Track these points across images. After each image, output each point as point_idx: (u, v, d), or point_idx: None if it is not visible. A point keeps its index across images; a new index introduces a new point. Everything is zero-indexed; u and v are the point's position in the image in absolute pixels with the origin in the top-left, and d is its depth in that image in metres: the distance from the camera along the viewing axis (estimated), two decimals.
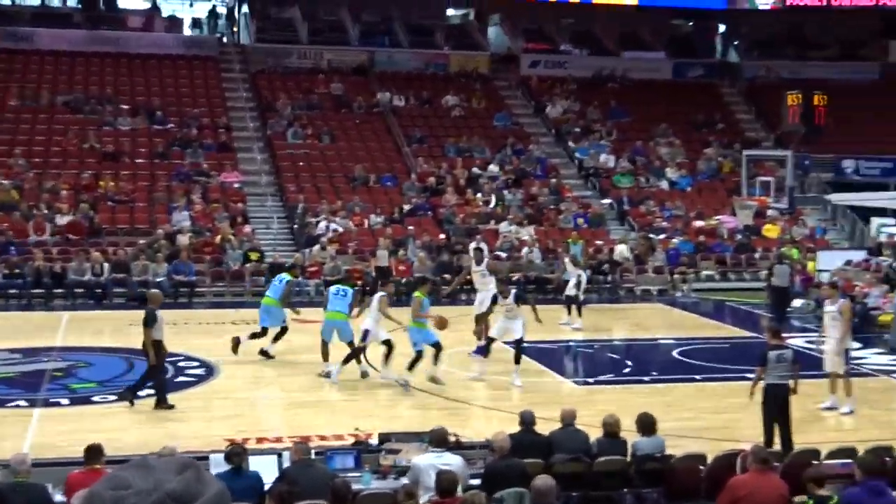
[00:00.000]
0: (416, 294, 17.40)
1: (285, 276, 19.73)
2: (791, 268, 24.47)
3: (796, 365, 13.66)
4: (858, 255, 29.61)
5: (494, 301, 18.04)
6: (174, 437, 13.04)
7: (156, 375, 15.68)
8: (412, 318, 17.23)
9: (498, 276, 20.14)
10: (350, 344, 18.01)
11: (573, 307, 23.24)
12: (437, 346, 17.23)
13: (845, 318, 16.06)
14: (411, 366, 17.04)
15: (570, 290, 23.27)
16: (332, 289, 18.80)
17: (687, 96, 41.45)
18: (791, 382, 13.58)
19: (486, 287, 20.37)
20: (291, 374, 18.67)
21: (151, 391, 15.70)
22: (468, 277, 21.72)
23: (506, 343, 18.24)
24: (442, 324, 17.33)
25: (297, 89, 38.55)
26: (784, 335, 21.89)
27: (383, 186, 34.36)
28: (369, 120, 37.77)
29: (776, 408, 13.40)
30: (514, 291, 18.05)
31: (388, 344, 17.55)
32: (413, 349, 17.17)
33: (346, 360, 17.52)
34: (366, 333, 17.58)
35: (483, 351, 18.08)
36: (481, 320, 18.42)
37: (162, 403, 15.61)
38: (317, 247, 29.41)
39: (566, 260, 23.89)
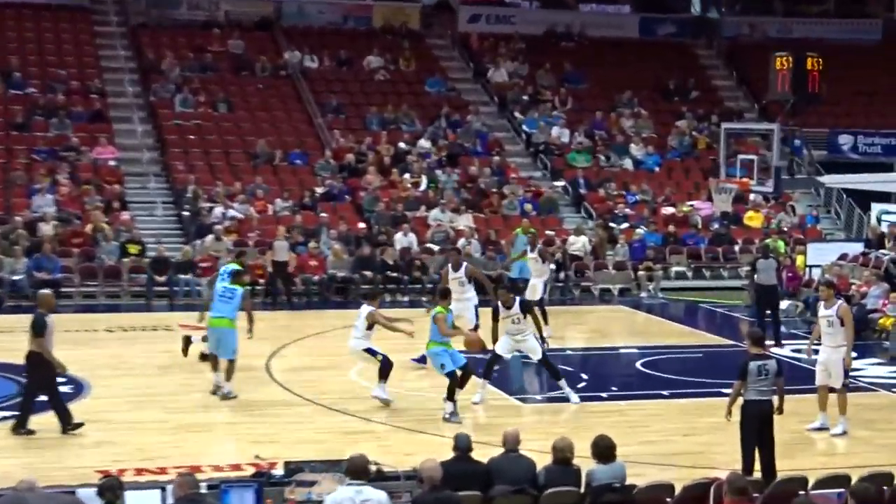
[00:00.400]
0: (438, 310, 17.16)
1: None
2: (778, 263, 24.81)
3: (781, 378, 13.85)
4: (855, 248, 30.12)
5: (496, 313, 17.94)
6: (34, 469, 12.89)
7: (35, 393, 15.63)
8: (436, 338, 17.04)
9: (491, 279, 20.35)
10: (231, 363, 17.83)
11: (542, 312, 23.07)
12: (466, 371, 17.14)
13: (847, 325, 16.31)
14: (451, 394, 16.81)
15: (537, 294, 23.10)
16: (219, 288, 18.45)
17: (656, 58, 41.81)
18: (775, 399, 13.78)
19: (465, 296, 20.73)
20: (178, 392, 18.54)
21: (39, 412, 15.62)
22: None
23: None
24: (477, 344, 17.34)
25: (187, 47, 38.26)
26: (768, 343, 22.30)
27: (291, 165, 34.24)
28: (275, 85, 37.60)
29: (757, 429, 13.58)
30: (518, 300, 18.02)
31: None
32: (442, 373, 16.99)
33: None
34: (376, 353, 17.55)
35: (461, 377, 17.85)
36: (474, 343, 17.82)
37: (20, 428, 15.45)
38: (210, 237, 29.23)
39: (530, 256, 23.62)
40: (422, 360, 19.43)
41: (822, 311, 16.64)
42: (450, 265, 21.49)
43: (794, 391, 17.34)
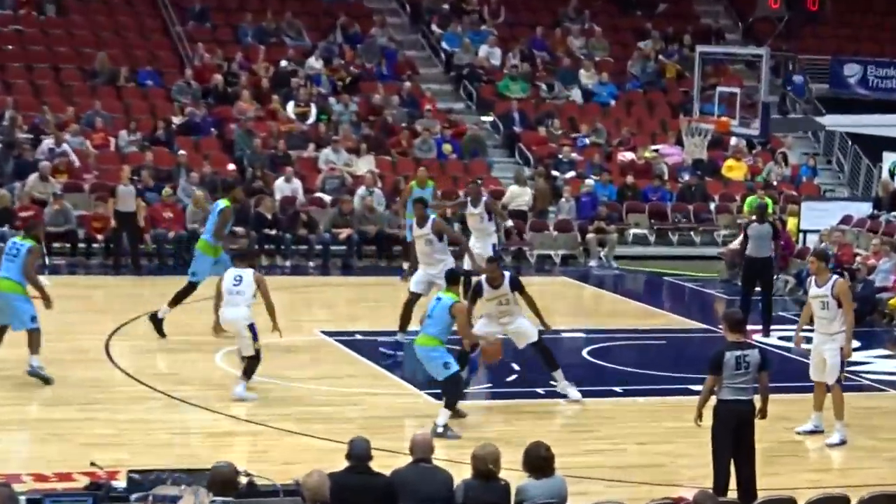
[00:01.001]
0: (454, 297, 16.87)
1: (26, 244, 18.59)
2: (776, 229, 25.05)
3: (765, 373, 14.05)
4: (862, 209, 30.56)
5: (477, 293, 17.93)
6: None
7: None
8: (441, 334, 16.77)
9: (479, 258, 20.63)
10: (32, 332, 18.00)
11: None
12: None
13: (846, 306, 16.57)
14: (453, 404, 16.77)
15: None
16: (8, 244, 18.93)
17: None
18: (757, 399, 13.99)
19: (487, 236, 22.38)
20: None
21: None
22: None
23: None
24: (497, 355, 17.47)
25: None
26: (753, 330, 22.62)
27: (141, 87, 33.99)
28: None
29: (733, 436, 13.77)
30: (508, 275, 18.08)
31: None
32: (444, 375, 16.77)
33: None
34: None
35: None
36: (494, 355, 17.83)
37: None
38: (33, 177, 28.94)
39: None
40: (397, 347, 19.79)
41: (813, 290, 16.87)
42: (469, 199, 23.03)
43: (782, 390, 17.70)
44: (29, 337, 18.25)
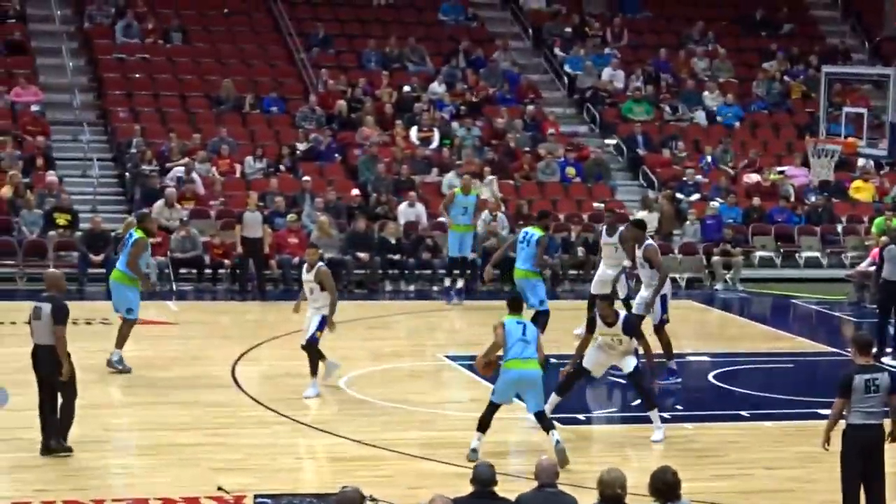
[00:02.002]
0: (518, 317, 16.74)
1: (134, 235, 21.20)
2: None
3: (894, 395, 13.90)
4: None
5: (592, 326, 17.80)
6: None
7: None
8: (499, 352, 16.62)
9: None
10: (125, 322, 20.17)
11: None
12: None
13: None
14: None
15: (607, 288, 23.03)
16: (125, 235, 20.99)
17: None
18: (887, 423, 13.83)
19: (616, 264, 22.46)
20: (120, 404, 18.73)
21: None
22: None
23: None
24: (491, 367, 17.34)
25: None
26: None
27: (266, 114, 34.29)
28: (244, 10, 37.64)
29: (863, 461, 13.62)
30: (623, 316, 17.87)
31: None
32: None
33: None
34: None
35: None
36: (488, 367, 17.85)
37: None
38: (159, 203, 29.30)
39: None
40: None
41: None
42: (603, 229, 23.34)
43: None
44: (122, 325, 20.51)
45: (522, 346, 16.30)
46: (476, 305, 27.04)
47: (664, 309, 20.78)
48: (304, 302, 19.92)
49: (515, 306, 16.86)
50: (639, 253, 20.96)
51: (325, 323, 19.18)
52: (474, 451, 15.92)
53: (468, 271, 28.20)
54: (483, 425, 16.20)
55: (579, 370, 17.92)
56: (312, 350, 19.26)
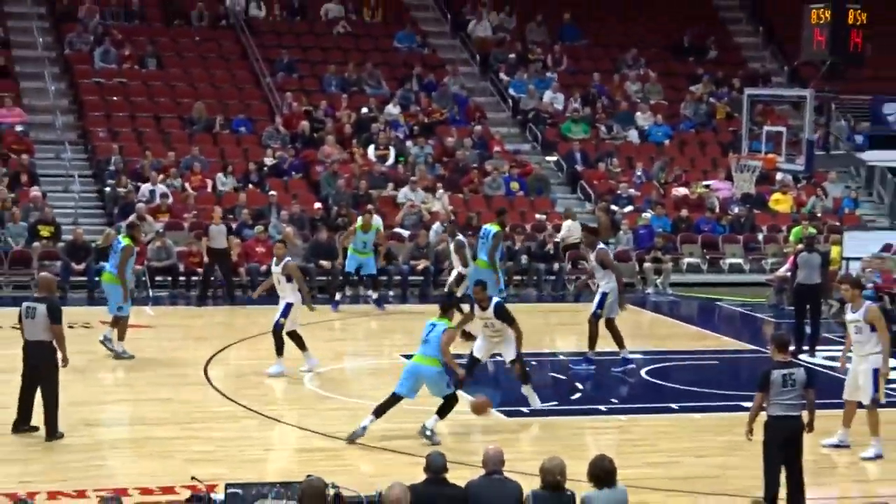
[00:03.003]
0: (448, 324, 17.01)
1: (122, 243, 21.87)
2: (824, 258, 24.90)
3: (811, 390, 14.00)
4: None
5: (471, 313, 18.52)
6: None
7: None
8: (438, 354, 16.76)
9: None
10: (116, 319, 20.81)
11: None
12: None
13: (880, 329, 16.48)
14: (445, 413, 17.01)
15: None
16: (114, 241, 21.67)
17: (667, 10, 41.93)
18: (804, 414, 13.93)
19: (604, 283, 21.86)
20: (99, 401, 18.68)
21: None
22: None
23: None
24: (486, 407, 17.43)
25: None
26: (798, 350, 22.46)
27: (234, 134, 34.24)
28: (214, 37, 37.56)
29: (782, 449, 13.72)
30: (495, 301, 18.27)
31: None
32: (445, 393, 16.98)
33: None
34: None
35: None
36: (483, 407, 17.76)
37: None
38: (133, 217, 29.16)
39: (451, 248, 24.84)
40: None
41: (849, 315, 16.81)
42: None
43: (827, 406, 17.57)
44: (114, 322, 21.47)
45: (423, 345, 16.85)
46: (430, 309, 26.97)
47: (600, 305, 21.33)
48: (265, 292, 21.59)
49: (443, 309, 17.23)
50: (592, 257, 21.53)
51: (289, 310, 20.07)
52: (364, 428, 16.49)
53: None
54: (379, 411, 16.69)
55: (473, 360, 18.44)
56: (277, 335, 20.10)
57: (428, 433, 16.64)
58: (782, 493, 13.63)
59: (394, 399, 16.75)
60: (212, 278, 27.99)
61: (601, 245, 22.03)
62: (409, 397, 16.87)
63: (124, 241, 21.78)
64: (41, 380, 16.28)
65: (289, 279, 20.24)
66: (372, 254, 27.31)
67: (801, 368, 13.98)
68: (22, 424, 16.47)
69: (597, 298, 21.52)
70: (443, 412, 16.85)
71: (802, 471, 13.78)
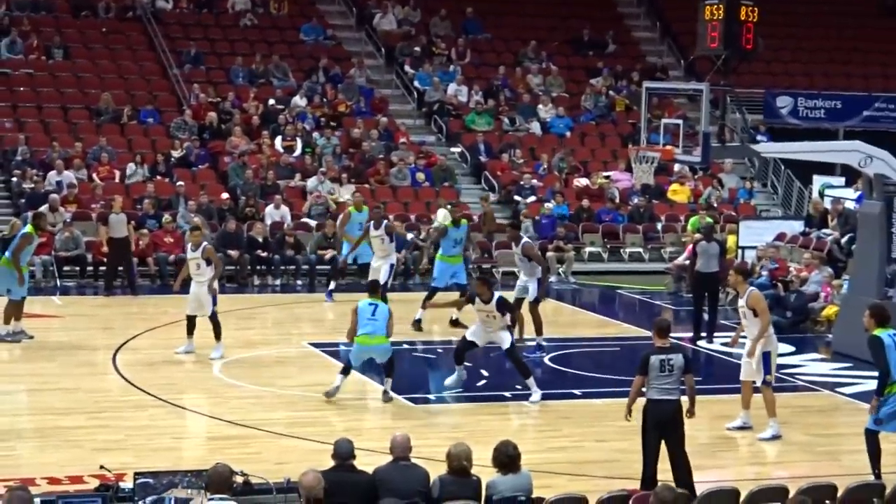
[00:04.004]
0: (384, 303, 18.25)
1: (25, 228, 21.73)
2: (722, 247, 25.11)
3: (690, 375, 14.10)
4: (794, 227, 30.67)
5: (472, 300, 18.83)
6: None
7: None
8: (386, 332, 17.95)
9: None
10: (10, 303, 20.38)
11: None
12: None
13: (761, 313, 16.67)
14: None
15: (381, 277, 23.64)
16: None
17: (568, 6, 42.09)
18: (684, 399, 14.04)
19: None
20: (4, 391, 18.40)
21: None
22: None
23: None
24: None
25: None
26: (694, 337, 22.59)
27: (142, 124, 33.90)
28: (122, 29, 37.17)
29: (660, 432, 13.81)
30: (497, 296, 18.51)
31: None
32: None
33: None
34: None
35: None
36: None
37: None
38: (44, 207, 28.84)
39: (374, 234, 25.14)
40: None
41: (739, 302, 17.07)
42: (372, 223, 24.95)
43: (723, 391, 17.73)
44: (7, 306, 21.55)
45: (371, 325, 17.73)
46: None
47: (539, 290, 21.85)
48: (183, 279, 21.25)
49: (371, 290, 18.52)
50: (517, 249, 21.84)
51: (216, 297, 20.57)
52: (337, 388, 17.83)
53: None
54: (345, 371, 18.07)
55: (466, 342, 18.76)
56: (215, 321, 20.44)
57: (389, 396, 17.97)
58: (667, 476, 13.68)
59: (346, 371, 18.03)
60: (119, 268, 27.66)
61: (525, 239, 22.50)
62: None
63: (27, 228, 21.81)
64: None
65: (208, 262, 20.40)
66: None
67: (680, 354, 14.09)
68: None
69: (532, 287, 21.73)
70: (389, 370, 18.06)
71: (685, 453, 13.86)
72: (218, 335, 20.47)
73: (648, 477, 13.58)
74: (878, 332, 14.32)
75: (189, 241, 21.31)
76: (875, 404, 14.25)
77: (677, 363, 13.86)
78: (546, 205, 32.79)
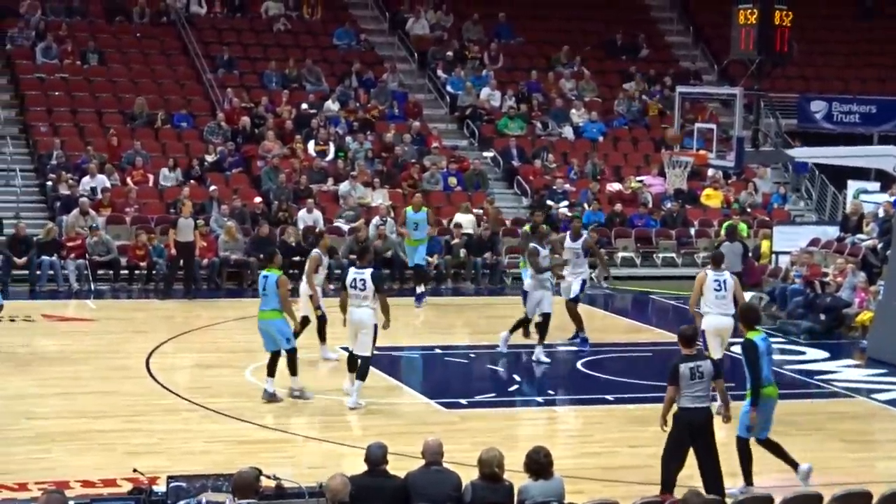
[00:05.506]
0: (279, 273, 18.06)
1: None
2: (745, 248, 25.11)
3: (720, 381, 14.09)
4: (829, 233, 30.55)
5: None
6: None
7: None
8: (279, 306, 18.03)
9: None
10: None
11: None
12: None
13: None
14: (293, 370, 18.27)
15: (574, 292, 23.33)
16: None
17: (600, 10, 42.05)
18: (716, 406, 14.02)
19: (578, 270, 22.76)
20: (40, 394, 18.46)
21: None
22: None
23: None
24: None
25: None
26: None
27: (176, 128, 34.00)
28: (155, 34, 37.29)
29: (692, 439, 13.80)
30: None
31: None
32: (288, 346, 18.22)
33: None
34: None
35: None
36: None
37: None
38: (75, 212, 28.99)
39: (570, 245, 23.25)
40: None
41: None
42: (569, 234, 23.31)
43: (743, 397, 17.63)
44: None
45: (263, 300, 18.06)
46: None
47: (582, 288, 22.80)
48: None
49: (268, 259, 18.63)
50: (577, 244, 22.52)
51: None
52: (270, 392, 17.98)
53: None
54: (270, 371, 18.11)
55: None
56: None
57: (297, 392, 18.14)
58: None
59: (274, 357, 18.07)
60: (179, 271, 27.68)
61: (586, 234, 23.72)
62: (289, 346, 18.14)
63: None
64: None
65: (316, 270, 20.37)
66: (425, 240, 27.31)
67: (708, 361, 14.14)
68: None
69: (575, 285, 22.32)
70: (271, 369, 18.01)
71: (717, 459, 13.91)
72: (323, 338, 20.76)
73: (666, 480, 13.59)
74: (750, 335, 14.48)
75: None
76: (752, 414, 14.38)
77: (706, 369, 13.88)
78: (562, 210, 32.58)
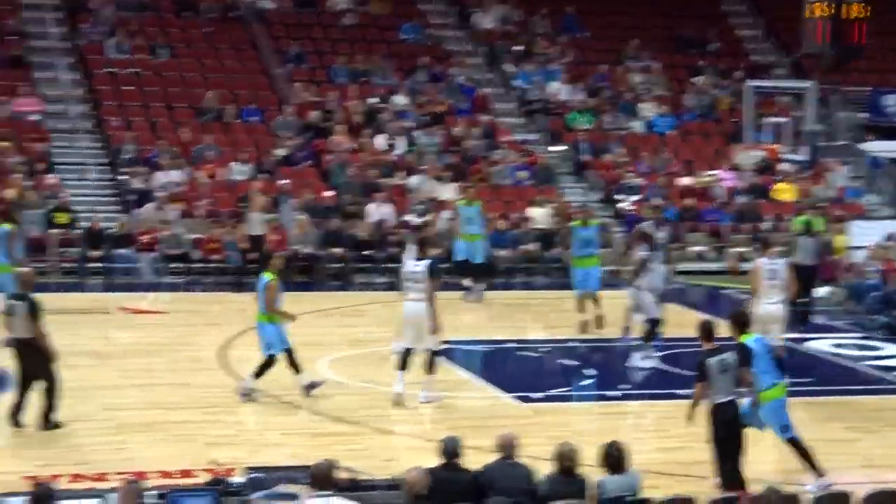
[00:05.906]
0: (269, 277, 17.93)
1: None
2: (819, 242, 25.01)
3: (745, 369, 14.09)
4: None
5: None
6: None
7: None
8: (264, 309, 17.94)
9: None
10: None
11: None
12: (290, 352, 18.08)
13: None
14: (260, 372, 17.96)
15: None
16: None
17: (670, 3, 41.90)
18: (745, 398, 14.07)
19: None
20: (118, 385, 18.69)
21: None
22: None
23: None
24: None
25: None
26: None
27: (246, 123, 34.21)
28: (225, 28, 37.53)
29: (727, 431, 13.82)
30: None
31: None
32: (263, 351, 17.99)
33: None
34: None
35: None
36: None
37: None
38: (149, 206, 29.26)
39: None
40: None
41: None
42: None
43: (826, 392, 17.58)
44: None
45: (258, 302, 18.11)
46: (440, 296, 26.97)
47: None
48: None
49: (265, 261, 18.78)
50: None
51: None
52: (251, 389, 17.83)
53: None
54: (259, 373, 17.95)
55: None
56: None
57: (246, 391, 17.83)
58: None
59: (269, 361, 17.92)
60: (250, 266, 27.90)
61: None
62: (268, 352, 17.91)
63: (4, 226, 21.87)
64: (39, 373, 16.14)
65: None
66: (481, 236, 27.16)
67: (731, 352, 14.16)
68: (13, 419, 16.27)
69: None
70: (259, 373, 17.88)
71: (741, 455, 13.99)
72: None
73: (729, 479, 13.57)
74: (742, 338, 14.47)
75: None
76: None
77: (731, 361, 13.98)
78: (622, 205, 32.58)
